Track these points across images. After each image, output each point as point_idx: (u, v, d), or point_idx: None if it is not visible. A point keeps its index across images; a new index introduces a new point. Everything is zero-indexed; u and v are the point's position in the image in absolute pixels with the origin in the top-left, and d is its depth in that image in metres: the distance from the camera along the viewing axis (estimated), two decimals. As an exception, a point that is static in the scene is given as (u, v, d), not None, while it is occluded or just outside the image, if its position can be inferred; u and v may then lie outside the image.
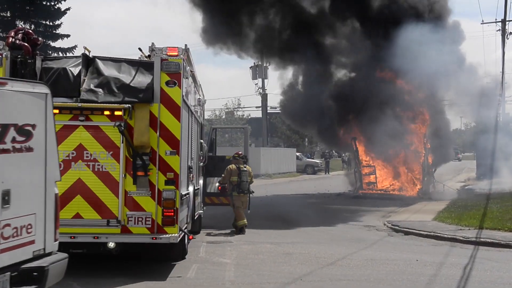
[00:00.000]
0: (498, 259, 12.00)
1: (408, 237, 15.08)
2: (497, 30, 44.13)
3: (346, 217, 19.34)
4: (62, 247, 9.54)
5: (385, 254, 12.35)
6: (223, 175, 15.18)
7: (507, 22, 42.42)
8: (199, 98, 13.32)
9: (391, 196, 26.28)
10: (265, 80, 50.87)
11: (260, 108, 53.23)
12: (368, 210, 21.39)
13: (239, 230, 14.93)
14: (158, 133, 9.55)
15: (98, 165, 9.49)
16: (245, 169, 15.27)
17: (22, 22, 32.48)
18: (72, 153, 9.47)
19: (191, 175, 11.88)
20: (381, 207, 22.40)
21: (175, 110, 9.62)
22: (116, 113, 9.44)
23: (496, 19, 44.30)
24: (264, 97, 50.87)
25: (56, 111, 9.33)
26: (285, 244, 13.53)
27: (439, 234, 14.70)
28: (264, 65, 48.03)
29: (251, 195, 15.49)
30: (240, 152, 15.76)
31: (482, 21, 42.35)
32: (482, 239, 13.81)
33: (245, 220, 15.11)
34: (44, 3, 33.21)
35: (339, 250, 12.79)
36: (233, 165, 15.23)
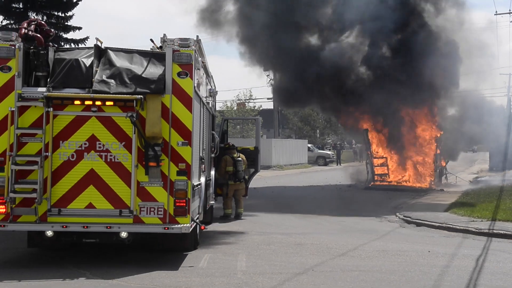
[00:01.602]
0: (511, 250, 11.96)
1: (420, 228, 15.06)
2: (511, 21, 43.69)
3: (357, 208, 19.34)
4: (75, 236, 9.72)
5: (397, 245, 12.35)
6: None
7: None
8: (210, 89, 13.33)
9: (403, 188, 26.24)
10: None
11: (272, 100, 53.19)
12: (379, 202, 21.37)
13: (225, 217, 15.74)
14: (170, 124, 9.57)
15: (111, 155, 9.54)
16: (239, 158, 15.71)
17: (35, 14, 32.60)
18: (85, 144, 9.52)
19: (203, 166, 11.91)
20: (392, 198, 22.37)
21: (186, 101, 9.64)
22: (128, 104, 9.47)
23: (510, 10, 43.87)
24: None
25: (69, 101, 9.47)
26: (296, 234, 13.56)
27: (451, 226, 14.67)
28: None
29: (245, 181, 16.05)
30: (230, 143, 16.17)
31: (496, 12, 41.97)
32: (495, 231, 13.76)
33: (230, 210, 15.93)
34: (56, -6, 33.27)
35: (351, 240, 12.80)
36: (227, 156, 15.57)
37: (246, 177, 16.25)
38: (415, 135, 27.44)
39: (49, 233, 9.46)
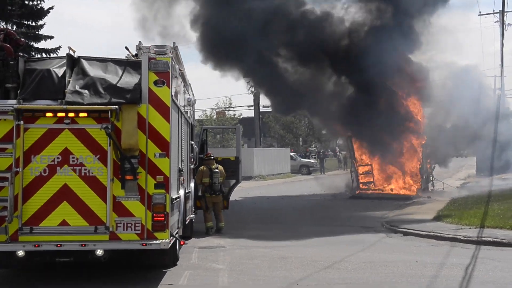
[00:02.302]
0: (500, 258, 12.02)
1: (407, 237, 15.09)
2: (495, 22, 44.23)
3: (343, 218, 19.34)
4: (49, 256, 9.56)
5: (384, 256, 12.35)
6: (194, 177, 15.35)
7: (505, 13, 42.47)
8: (188, 98, 13.28)
9: (389, 196, 26.33)
10: (257, 77, 50.83)
11: (252, 107, 53.21)
12: (365, 211, 21.40)
13: (206, 232, 15.54)
14: (146, 135, 9.49)
15: (85, 169, 9.43)
16: (216, 170, 15.55)
17: (4, 23, 32.33)
18: (58, 158, 9.40)
19: (182, 178, 11.84)
20: (378, 207, 22.43)
21: (164, 111, 9.58)
22: (103, 115, 9.38)
23: (494, 10, 44.39)
24: (256, 95, 50.79)
25: (41, 114, 9.34)
26: (280, 247, 13.50)
27: (439, 234, 14.72)
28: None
29: (223, 194, 15.92)
30: (209, 153, 16.03)
31: (480, 12, 42.51)
32: (483, 238, 13.84)
33: (211, 223, 15.72)
34: (27, 2, 33.07)
35: (336, 252, 12.77)
36: (204, 166, 15.48)
37: (225, 189, 16.15)
38: (400, 142, 27.59)
39: (21, 253, 9.28)
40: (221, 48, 27.42)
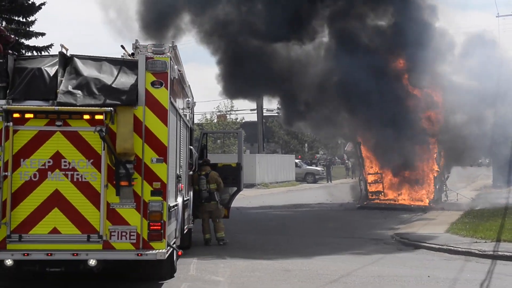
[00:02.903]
0: (517, 274, 12.02)
1: (419, 251, 15.09)
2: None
3: (350, 230, 19.34)
4: (38, 265, 9.59)
5: (394, 270, 12.35)
6: None
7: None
8: (188, 100, 13.33)
9: (400, 206, 26.32)
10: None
11: (255, 111, 53.26)
12: (374, 222, 21.41)
13: (205, 243, 15.63)
14: (143, 139, 9.53)
15: (77, 174, 9.47)
16: (202, 176, 15.42)
17: (-7, 19, 32.47)
18: (49, 162, 9.44)
19: (180, 185, 11.86)
20: (388, 218, 22.43)
21: (161, 114, 9.62)
22: (97, 117, 9.43)
23: (512, 12, 44.42)
24: (260, 98, 50.87)
25: (31, 115, 9.39)
26: (283, 259, 13.51)
27: (452, 248, 14.71)
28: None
29: (220, 202, 15.71)
30: (205, 158, 16.05)
31: (498, 13, 42.37)
32: (500, 253, 13.82)
33: (209, 234, 15.72)
34: (17, -3, 33.19)
35: (343, 265, 12.78)
36: (196, 172, 15.45)
37: (225, 197, 16.01)
38: (412, 149, 27.57)
39: (9, 262, 9.30)
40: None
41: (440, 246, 15.04)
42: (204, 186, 15.40)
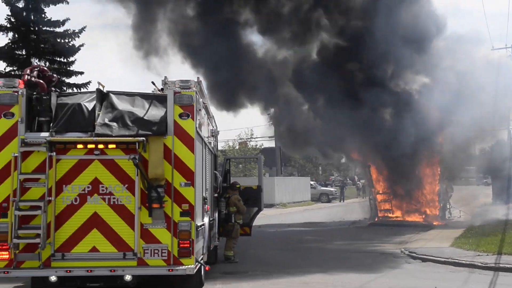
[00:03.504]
0: (518, 284, 11.82)
1: (426, 263, 14.90)
2: (508, 56, 44.12)
3: (362, 245, 19.16)
4: (80, 281, 9.63)
5: (403, 282, 12.20)
6: None
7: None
8: (212, 129, 13.39)
9: (407, 223, 26.03)
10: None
11: (273, 138, 53.27)
12: (384, 237, 21.18)
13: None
14: (172, 165, 9.58)
15: (114, 198, 9.53)
16: (222, 199, 15.31)
17: (37, 60, 32.98)
18: (88, 187, 9.52)
19: (206, 206, 11.87)
20: (397, 234, 22.19)
21: (188, 142, 9.67)
22: (131, 146, 9.52)
23: (506, 45, 44.34)
24: (277, 126, 50.90)
25: (72, 146, 9.50)
26: (301, 273, 13.41)
27: (457, 260, 14.51)
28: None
29: (234, 224, 15.45)
30: (233, 182, 15.94)
31: (493, 47, 42.38)
32: (501, 265, 13.61)
33: (228, 252, 15.31)
34: (59, 40, 33.70)
35: (356, 278, 12.65)
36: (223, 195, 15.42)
37: (234, 219, 15.45)
38: (418, 170, 27.36)
39: (53, 278, 9.38)
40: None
41: (445, 259, 14.84)
42: (223, 208, 15.33)
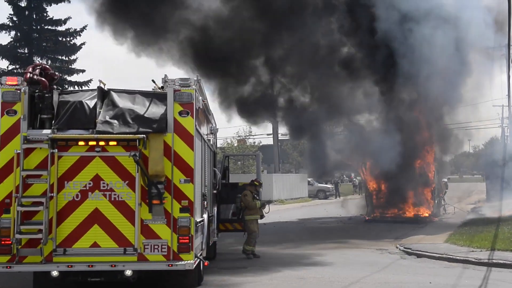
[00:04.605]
0: (511, 280, 11.82)
1: (421, 259, 14.92)
2: (501, 55, 44.06)
3: (358, 241, 19.16)
4: (81, 275, 9.62)
5: (398, 277, 12.22)
6: None
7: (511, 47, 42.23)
8: (211, 127, 13.38)
9: (402, 219, 26.04)
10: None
11: (271, 135, 53.28)
12: (379, 233, 21.20)
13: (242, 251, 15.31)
14: (172, 162, 9.58)
15: (115, 194, 9.52)
16: (239, 195, 15.33)
17: (39, 58, 32.97)
18: (89, 184, 9.52)
19: (205, 202, 11.87)
20: (392, 230, 22.20)
21: (188, 139, 9.67)
22: (131, 143, 9.51)
23: (500, 44, 44.21)
24: (275, 124, 50.90)
25: (73, 143, 9.49)
26: (298, 268, 13.43)
27: (451, 256, 14.53)
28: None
29: (244, 218, 15.42)
30: (256, 179, 15.81)
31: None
32: (494, 261, 13.63)
33: (246, 246, 15.24)
34: (60, 39, 33.69)
35: (352, 273, 12.66)
36: None
37: (245, 216, 15.36)
38: (413, 166, 27.36)
39: (55, 273, 9.37)
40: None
41: (440, 255, 14.85)
42: (238, 204, 15.37)
